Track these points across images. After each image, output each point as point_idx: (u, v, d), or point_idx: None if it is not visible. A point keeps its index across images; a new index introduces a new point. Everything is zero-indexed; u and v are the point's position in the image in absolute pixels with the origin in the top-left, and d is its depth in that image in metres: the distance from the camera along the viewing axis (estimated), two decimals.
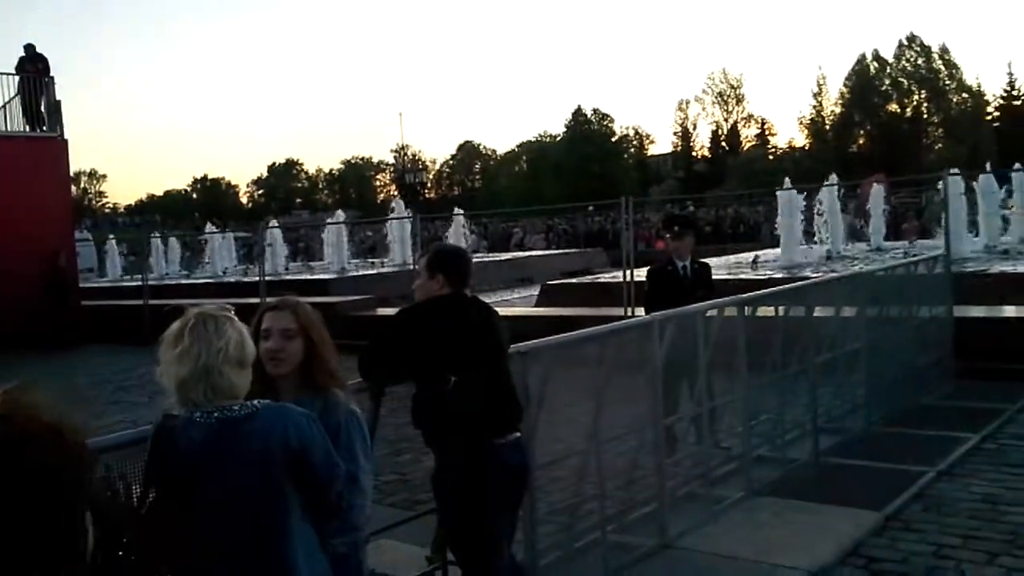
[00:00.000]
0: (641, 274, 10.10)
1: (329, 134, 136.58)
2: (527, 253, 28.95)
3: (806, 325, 6.24)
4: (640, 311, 8.98)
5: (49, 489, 1.27)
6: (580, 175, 71.68)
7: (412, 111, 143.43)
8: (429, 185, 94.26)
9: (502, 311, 3.83)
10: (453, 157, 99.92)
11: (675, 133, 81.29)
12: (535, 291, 15.75)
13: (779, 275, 12.51)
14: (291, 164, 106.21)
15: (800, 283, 7.28)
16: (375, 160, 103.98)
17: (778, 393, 6.10)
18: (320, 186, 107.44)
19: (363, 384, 3.41)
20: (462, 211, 25.45)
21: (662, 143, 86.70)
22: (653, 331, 4.90)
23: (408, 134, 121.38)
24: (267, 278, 17.16)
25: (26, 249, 16.16)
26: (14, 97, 18.37)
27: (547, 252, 29.09)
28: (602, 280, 15.31)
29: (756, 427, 5.92)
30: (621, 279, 11.65)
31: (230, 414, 2.22)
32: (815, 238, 16.62)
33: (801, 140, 73.47)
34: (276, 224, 26.39)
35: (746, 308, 5.68)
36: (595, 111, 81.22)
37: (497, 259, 25.89)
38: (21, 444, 1.27)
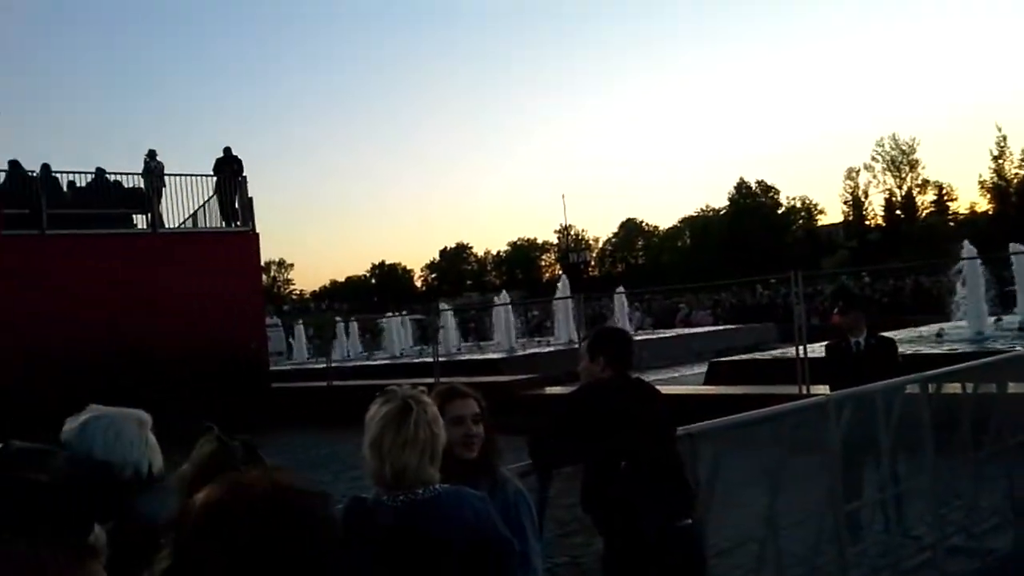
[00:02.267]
0: (815, 349, 9.78)
1: (496, 218, 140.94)
2: (693, 329, 28.43)
3: (999, 403, 5.84)
4: (819, 388, 8.67)
5: (320, 562, 1.35)
6: (745, 248, 70.27)
7: (574, 192, 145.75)
8: (592, 263, 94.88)
9: (668, 389, 3.85)
10: (615, 235, 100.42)
11: (845, 202, 78.51)
12: (703, 368, 15.44)
13: (967, 349, 11.72)
14: (461, 248, 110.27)
15: (990, 358, 6.82)
16: (540, 241, 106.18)
17: (971, 477, 5.69)
18: (488, 267, 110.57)
19: (530, 467, 3.43)
20: (624, 290, 25.46)
21: (832, 213, 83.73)
22: (829, 411, 4.74)
23: (571, 214, 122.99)
24: (440, 358, 17.73)
25: (223, 335, 17.43)
26: (212, 196, 20.14)
27: (714, 328, 28.46)
28: (774, 356, 14.82)
29: (948, 514, 5.54)
30: (793, 355, 11.27)
31: (414, 497, 2.26)
32: (1010, 309, 15.50)
33: (984, 204, 69.11)
34: (447, 307, 27.27)
35: (930, 385, 5.40)
36: (759, 183, 79.90)
37: (662, 336, 25.60)
38: (304, 517, 1.35)
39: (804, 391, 9.88)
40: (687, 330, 28.11)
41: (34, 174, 17.49)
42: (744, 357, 16.05)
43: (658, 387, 3.85)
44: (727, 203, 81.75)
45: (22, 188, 16.93)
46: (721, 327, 28.59)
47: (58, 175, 18.07)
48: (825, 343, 7.23)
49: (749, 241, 71.75)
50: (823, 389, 6.88)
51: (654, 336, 25.24)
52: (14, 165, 17.25)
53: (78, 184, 18.43)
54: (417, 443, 2.26)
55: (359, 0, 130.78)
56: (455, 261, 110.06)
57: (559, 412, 3.59)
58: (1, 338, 12.99)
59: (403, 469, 2.26)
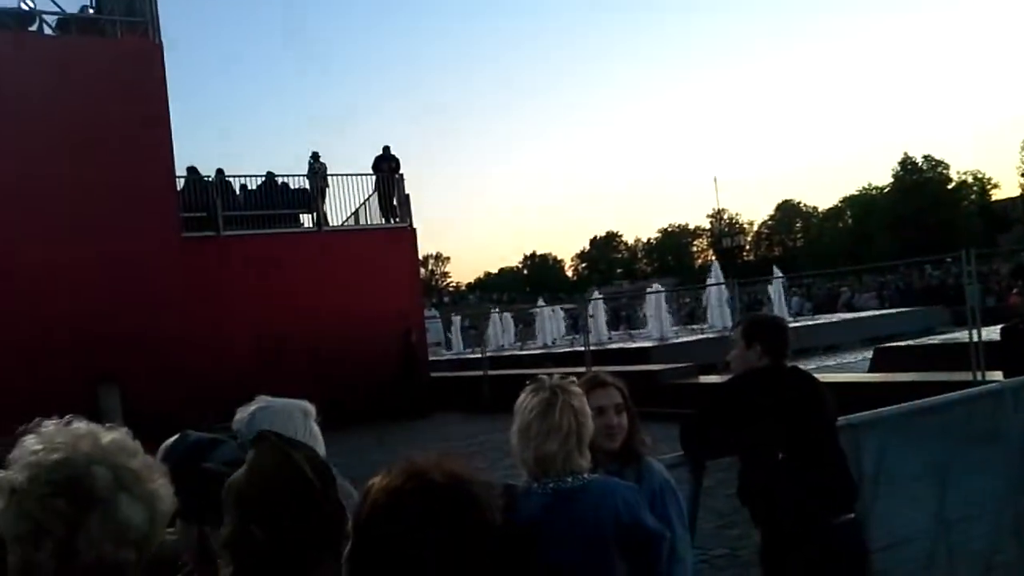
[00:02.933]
0: (991, 333, 9.16)
1: (646, 204, 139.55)
2: (857, 314, 27.15)
3: None
4: (993, 375, 8.15)
5: (492, 550, 1.44)
6: (912, 227, 66.42)
7: (726, 175, 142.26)
8: (747, 248, 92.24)
9: (831, 378, 3.74)
10: (771, 217, 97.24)
11: (1023, 175, 72.65)
12: (868, 355, 14.76)
13: None
14: (611, 236, 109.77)
15: None
16: (691, 226, 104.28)
17: None
18: (639, 255, 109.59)
19: (681, 458, 3.42)
20: (781, 274, 24.63)
21: (1008, 186, 77.74)
22: (1006, 398, 4.46)
23: (723, 198, 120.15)
24: (591, 347, 17.77)
25: (384, 328, 18.11)
26: (372, 194, 20.95)
27: (880, 312, 27.07)
28: (944, 341, 13.97)
29: None
30: (967, 339, 10.58)
31: (564, 486, 2.30)
32: None
33: None
34: (598, 295, 27.23)
35: None
36: (926, 157, 75.27)
37: (824, 321, 24.61)
38: (480, 506, 1.44)
39: (978, 377, 9.28)
40: (850, 315, 26.88)
41: (209, 179, 18.77)
42: (912, 342, 15.22)
43: (820, 375, 3.74)
44: (891, 180, 77.44)
45: (199, 193, 18.19)
46: (887, 311, 27.16)
47: (231, 179, 19.31)
48: (1001, 326, 6.81)
49: (916, 219, 67.72)
50: (998, 375, 6.48)
51: (815, 322, 24.31)
52: (192, 171, 18.55)
53: (250, 187, 19.64)
54: (561, 431, 2.30)
55: None
56: (605, 250, 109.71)
57: (712, 401, 3.54)
58: (187, 332, 13.97)
59: (548, 456, 2.30)
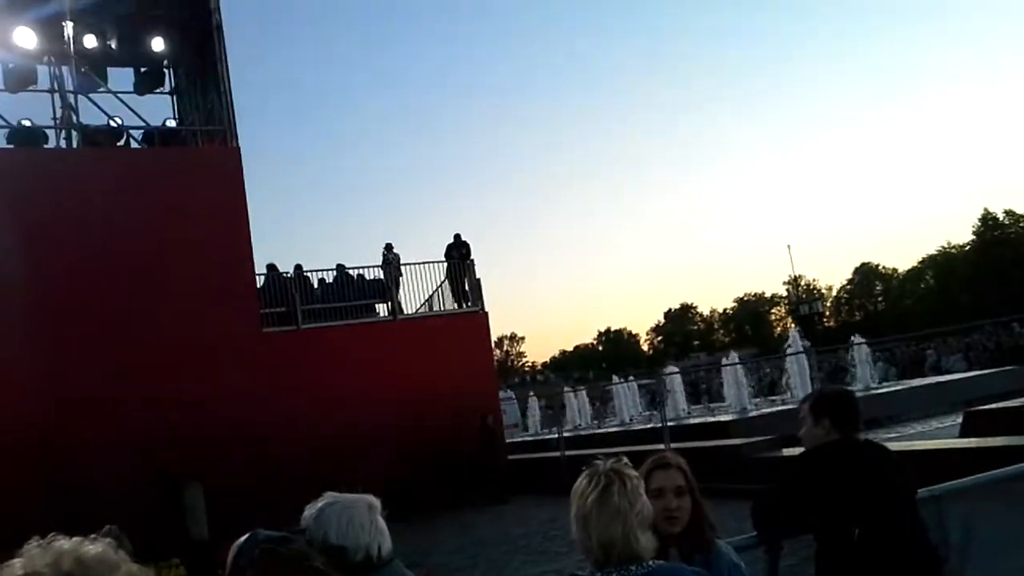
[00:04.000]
0: None
1: (720, 274, 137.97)
2: (945, 377, 26.18)
3: None
4: None
5: None
6: (997, 283, 64.11)
7: (801, 240, 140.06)
8: (827, 313, 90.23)
9: (918, 445, 3.66)
10: (850, 281, 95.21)
11: None
12: (958, 420, 14.21)
13: None
14: (685, 308, 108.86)
15: None
16: (768, 294, 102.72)
17: None
18: (715, 326, 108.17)
19: (754, 539, 3.38)
20: (862, 339, 24.03)
21: None
22: None
23: (799, 264, 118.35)
24: (669, 423, 17.52)
25: (462, 413, 18.20)
26: (444, 280, 21.36)
27: (968, 374, 26.06)
28: None
29: None
30: None
31: (628, 574, 2.28)
32: None
33: None
34: (674, 369, 26.94)
35: None
36: (1007, 212, 73.03)
37: (910, 386, 23.80)
38: None
39: None
40: (938, 378, 25.91)
41: (288, 275, 19.43)
42: (1004, 405, 14.59)
43: (909, 443, 3.68)
44: (972, 237, 75.34)
45: (278, 288, 18.83)
46: (976, 372, 26.11)
47: (308, 274, 19.96)
48: None
49: (1001, 275, 65.47)
50: None
51: (901, 387, 23.53)
52: (271, 268, 19.24)
53: (326, 281, 20.26)
54: (619, 516, 2.29)
55: (565, 72, 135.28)
56: (680, 322, 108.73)
57: (783, 478, 3.52)
58: (268, 426, 14.30)
59: (609, 542, 2.29)
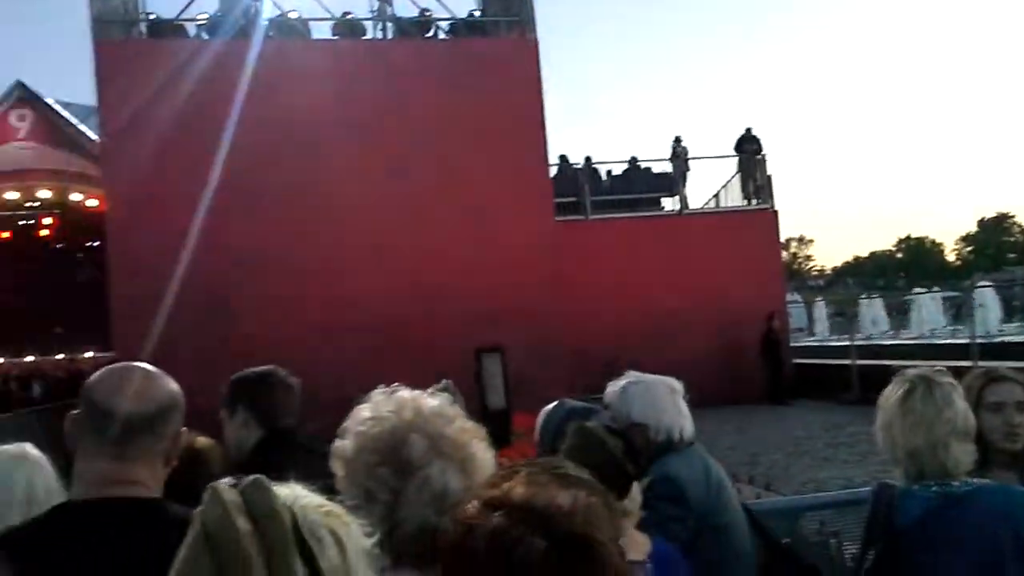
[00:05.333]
0: None
1: None
2: None
3: None
4: None
5: None
6: None
7: None
8: None
9: None
10: None
11: None
12: None
13: None
14: (1002, 217, 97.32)
15: None
16: None
17: None
18: None
19: None
20: None
21: None
22: None
23: None
24: (978, 340, 16.04)
25: (745, 311, 17.87)
26: (734, 176, 20.72)
27: None
28: None
29: None
30: None
31: (949, 490, 2.17)
32: None
33: None
34: (987, 282, 24.40)
35: None
36: None
37: None
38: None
39: None
40: None
41: (578, 166, 19.80)
42: None
43: None
44: None
45: (569, 179, 19.26)
46: None
47: (598, 165, 20.22)
48: None
49: None
50: None
51: None
52: (563, 159, 19.70)
53: (615, 173, 20.42)
54: (922, 423, 2.18)
55: None
56: (995, 233, 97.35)
57: None
58: (559, 309, 14.79)
59: (915, 451, 2.20)
